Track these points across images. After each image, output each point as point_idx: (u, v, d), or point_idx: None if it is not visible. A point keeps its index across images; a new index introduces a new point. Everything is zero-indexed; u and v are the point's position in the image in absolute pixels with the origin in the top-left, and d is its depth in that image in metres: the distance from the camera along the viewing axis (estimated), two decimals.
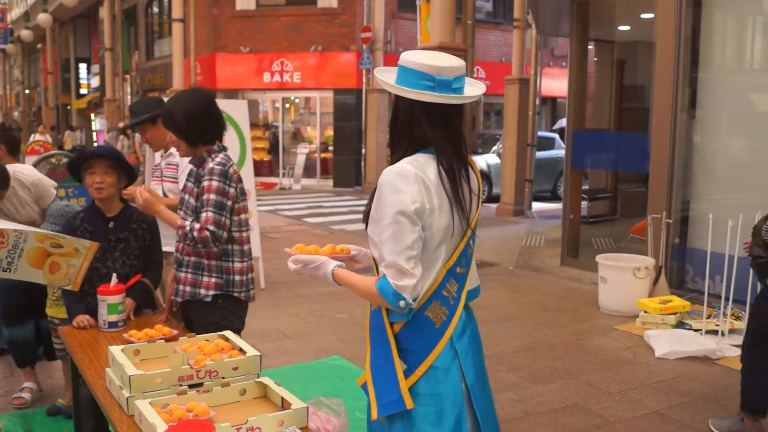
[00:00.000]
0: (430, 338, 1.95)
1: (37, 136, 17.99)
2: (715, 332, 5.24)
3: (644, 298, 5.85)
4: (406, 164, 1.91)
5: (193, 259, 2.99)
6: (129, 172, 3.28)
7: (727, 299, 5.31)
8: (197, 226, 2.85)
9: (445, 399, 1.95)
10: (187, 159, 3.14)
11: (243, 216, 3.03)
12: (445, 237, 1.93)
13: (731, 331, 5.25)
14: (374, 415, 1.95)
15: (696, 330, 5.35)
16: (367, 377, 1.99)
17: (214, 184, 2.88)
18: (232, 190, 2.93)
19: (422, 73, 1.92)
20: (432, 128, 1.95)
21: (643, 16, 8.27)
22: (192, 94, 3.06)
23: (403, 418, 1.95)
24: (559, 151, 15.39)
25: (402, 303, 1.84)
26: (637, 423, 3.92)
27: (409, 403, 1.91)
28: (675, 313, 5.58)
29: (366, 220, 2.03)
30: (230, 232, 2.97)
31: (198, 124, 2.95)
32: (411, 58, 1.94)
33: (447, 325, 1.96)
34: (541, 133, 13.96)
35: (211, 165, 2.92)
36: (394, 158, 1.98)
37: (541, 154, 13.89)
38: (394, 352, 1.93)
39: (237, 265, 3.01)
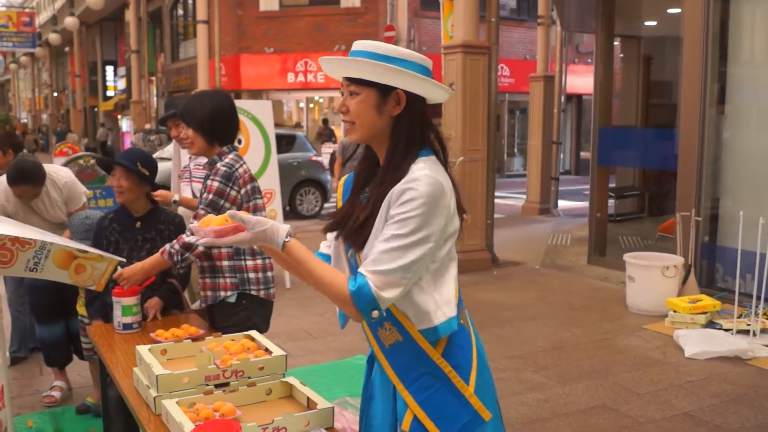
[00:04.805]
0: (468, 346, 1.81)
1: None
2: (747, 332, 5.15)
3: (673, 297, 5.77)
4: (435, 175, 1.66)
5: (207, 263, 3.03)
6: (151, 179, 3.30)
7: (758, 298, 5.22)
8: (176, 241, 2.93)
9: (492, 400, 1.85)
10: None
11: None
12: (456, 238, 1.78)
13: (763, 331, 5.15)
14: None
15: (727, 330, 5.26)
16: (418, 415, 1.76)
17: (215, 185, 2.91)
18: (233, 193, 2.93)
19: (425, 68, 1.72)
20: (432, 127, 1.78)
21: (670, 10, 8.16)
22: (216, 93, 3.12)
23: None
24: (305, 154, 12.05)
25: (375, 313, 1.62)
26: (667, 424, 3.86)
27: (486, 414, 1.77)
28: (705, 313, 5.49)
29: (346, 230, 1.76)
30: None
31: (219, 124, 2.99)
32: (404, 50, 1.70)
33: (470, 327, 1.86)
34: (278, 131, 9.77)
35: (217, 165, 2.96)
36: (404, 167, 1.69)
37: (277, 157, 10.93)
38: (449, 371, 1.75)
39: (249, 263, 3.02)
